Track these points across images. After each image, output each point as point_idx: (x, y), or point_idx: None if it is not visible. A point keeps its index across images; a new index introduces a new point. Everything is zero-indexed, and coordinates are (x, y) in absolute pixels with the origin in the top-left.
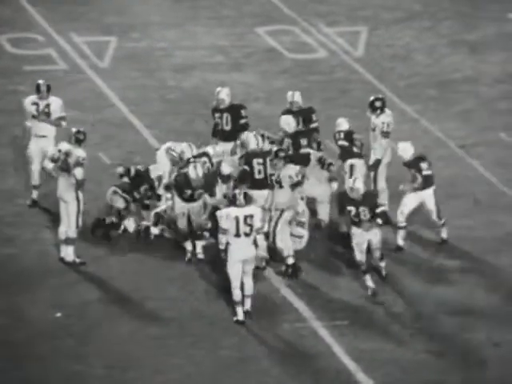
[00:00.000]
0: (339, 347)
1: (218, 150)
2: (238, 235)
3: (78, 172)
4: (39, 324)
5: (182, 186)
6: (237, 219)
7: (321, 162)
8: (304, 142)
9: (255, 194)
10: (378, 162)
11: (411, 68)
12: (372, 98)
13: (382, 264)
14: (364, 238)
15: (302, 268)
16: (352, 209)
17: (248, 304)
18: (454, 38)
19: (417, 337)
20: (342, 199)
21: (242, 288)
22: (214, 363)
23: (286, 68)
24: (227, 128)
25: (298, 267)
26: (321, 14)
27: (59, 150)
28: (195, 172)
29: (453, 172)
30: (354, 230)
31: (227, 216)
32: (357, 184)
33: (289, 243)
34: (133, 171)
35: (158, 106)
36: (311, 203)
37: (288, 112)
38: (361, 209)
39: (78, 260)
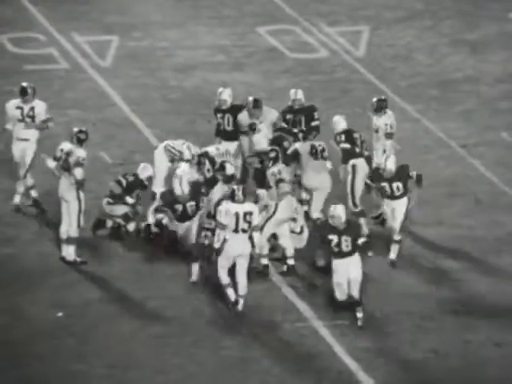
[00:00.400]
0: (340, 347)
1: (222, 149)
2: (236, 231)
3: (78, 172)
4: (39, 323)
5: (170, 203)
6: (237, 215)
7: (313, 153)
8: (287, 144)
9: (263, 192)
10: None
11: (412, 68)
12: (374, 99)
13: (359, 314)
14: (345, 271)
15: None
16: (334, 238)
17: (240, 305)
18: (455, 37)
19: (417, 336)
20: (323, 228)
21: (233, 282)
22: (216, 362)
23: (288, 68)
24: (229, 129)
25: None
26: (322, 13)
27: (61, 150)
28: (180, 189)
29: (454, 172)
30: (335, 263)
31: (227, 212)
32: (338, 211)
33: (289, 242)
34: (124, 183)
35: (160, 105)
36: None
37: (289, 109)
38: (343, 238)
39: (79, 259)
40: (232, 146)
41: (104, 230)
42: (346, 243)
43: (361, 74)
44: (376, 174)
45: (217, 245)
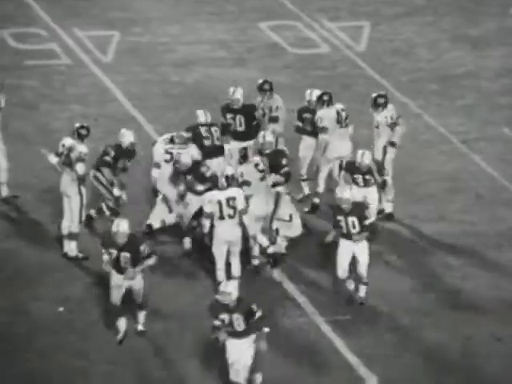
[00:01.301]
0: (342, 342)
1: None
2: (222, 217)
3: (80, 167)
4: (40, 319)
5: (107, 243)
6: (220, 203)
7: (339, 120)
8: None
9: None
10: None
11: (413, 63)
12: (375, 95)
13: None
14: (239, 355)
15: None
16: (225, 317)
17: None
18: (455, 32)
19: (419, 332)
20: (214, 308)
21: (227, 270)
22: (217, 359)
23: (289, 63)
24: (241, 129)
25: (280, 256)
26: (323, 9)
27: (63, 145)
28: (116, 227)
29: (455, 167)
30: (229, 345)
31: (210, 200)
32: (229, 288)
33: (263, 239)
34: (112, 153)
35: (161, 100)
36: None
37: (305, 110)
38: (234, 317)
39: (80, 255)
40: (243, 146)
41: (97, 223)
42: (238, 322)
43: (362, 70)
44: (336, 207)
45: (205, 230)
